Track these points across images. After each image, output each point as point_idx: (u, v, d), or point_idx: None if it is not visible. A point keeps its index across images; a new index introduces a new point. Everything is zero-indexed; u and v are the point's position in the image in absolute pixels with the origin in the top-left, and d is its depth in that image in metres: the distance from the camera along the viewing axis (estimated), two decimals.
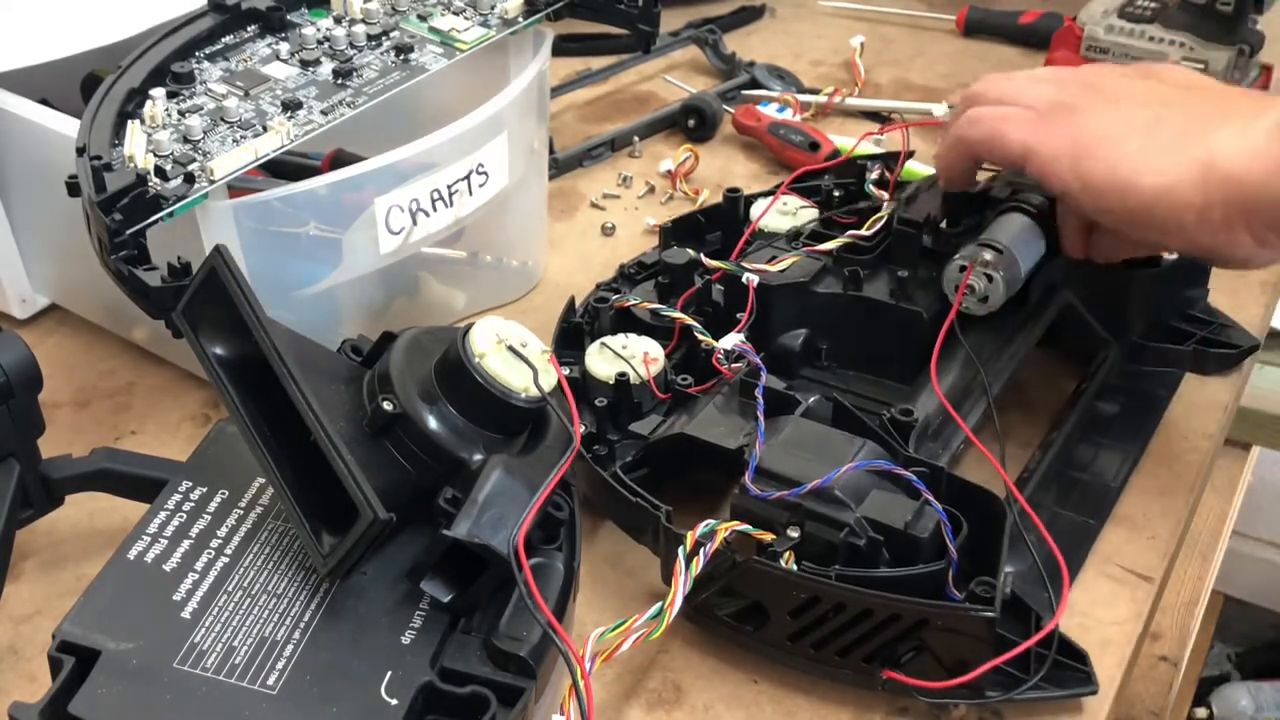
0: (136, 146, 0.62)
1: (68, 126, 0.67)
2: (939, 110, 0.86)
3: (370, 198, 0.67)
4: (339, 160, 0.75)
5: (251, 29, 0.73)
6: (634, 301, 0.70)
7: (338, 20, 0.74)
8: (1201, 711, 1.65)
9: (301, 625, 0.50)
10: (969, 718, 0.55)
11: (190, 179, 0.61)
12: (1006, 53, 1.10)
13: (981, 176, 0.77)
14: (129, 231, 0.58)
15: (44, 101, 0.71)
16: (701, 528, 0.55)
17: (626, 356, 0.66)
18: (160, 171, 0.61)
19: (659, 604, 0.53)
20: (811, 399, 0.62)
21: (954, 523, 0.55)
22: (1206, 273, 0.74)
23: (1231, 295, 0.78)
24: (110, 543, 0.55)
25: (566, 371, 0.55)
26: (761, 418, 0.58)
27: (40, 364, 0.58)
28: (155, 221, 0.60)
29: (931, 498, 0.55)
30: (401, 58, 0.72)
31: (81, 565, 0.63)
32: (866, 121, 1.00)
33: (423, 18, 0.75)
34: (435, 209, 0.70)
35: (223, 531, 0.54)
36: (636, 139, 0.97)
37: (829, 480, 0.55)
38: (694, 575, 0.54)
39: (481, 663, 0.50)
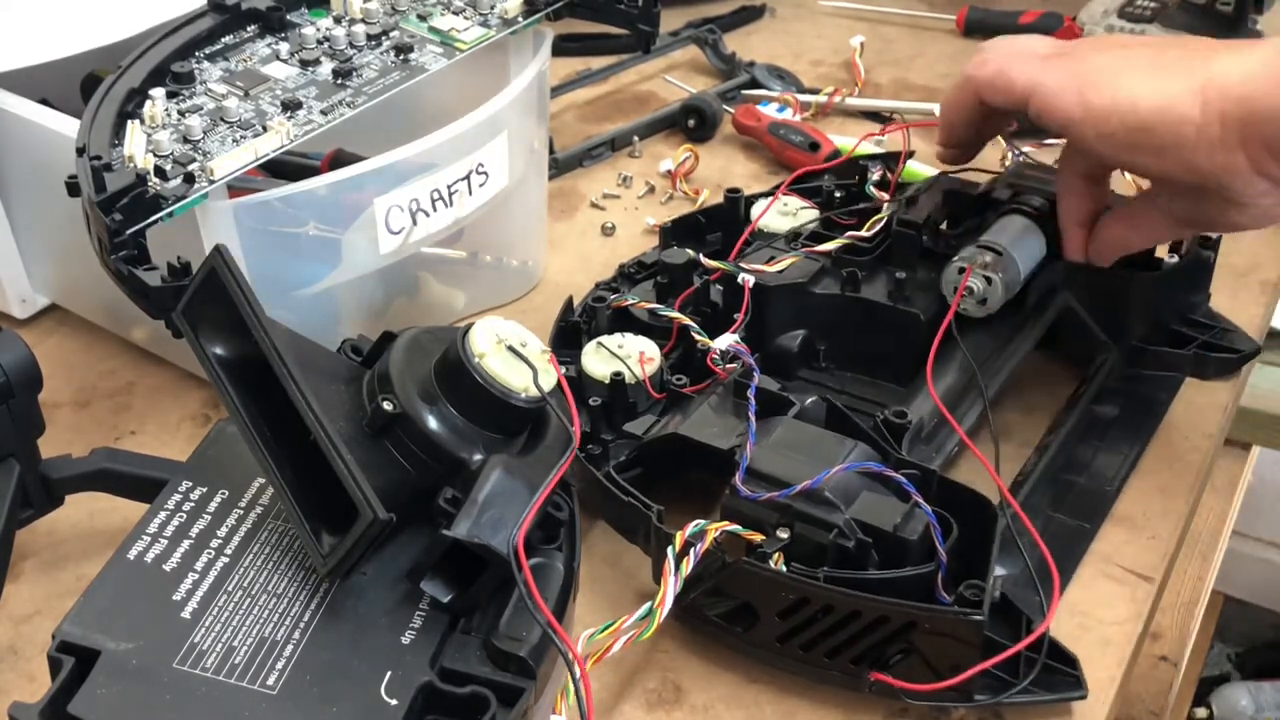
0: (136, 146, 0.62)
1: (68, 126, 0.67)
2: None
3: (370, 198, 0.67)
4: (339, 160, 0.75)
5: (251, 29, 0.73)
6: (632, 301, 0.70)
7: (338, 20, 0.74)
8: (1201, 711, 1.65)
9: (301, 625, 0.50)
10: (969, 719, 0.55)
11: (190, 179, 0.61)
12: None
13: (983, 178, 0.77)
14: (129, 231, 0.58)
15: (44, 101, 0.71)
16: (691, 528, 0.55)
17: (622, 356, 0.66)
18: (160, 171, 0.61)
19: (648, 604, 0.53)
20: (807, 400, 0.62)
21: (944, 525, 0.55)
22: (1208, 277, 0.74)
23: (1232, 295, 0.78)
24: (110, 543, 0.55)
25: (563, 370, 0.55)
26: (753, 418, 0.59)
27: (40, 364, 0.58)
28: (155, 221, 0.60)
29: (921, 500, 0.55)
30: (401, 58, 0.72)
31: (81, 565, 0.63)
32: (866, 121, 1.00)
33: (423, 18, 0.75)
34: (435, 209, 0.70)
35: (223, 531, 0.54)
36: (636, 139, 0.97)
37: (818, 482, 0.55)
38: (684, 575, 0.54)
39: (481, 663, 0.50)
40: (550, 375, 0.54)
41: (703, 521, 0.55)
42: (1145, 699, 1.31)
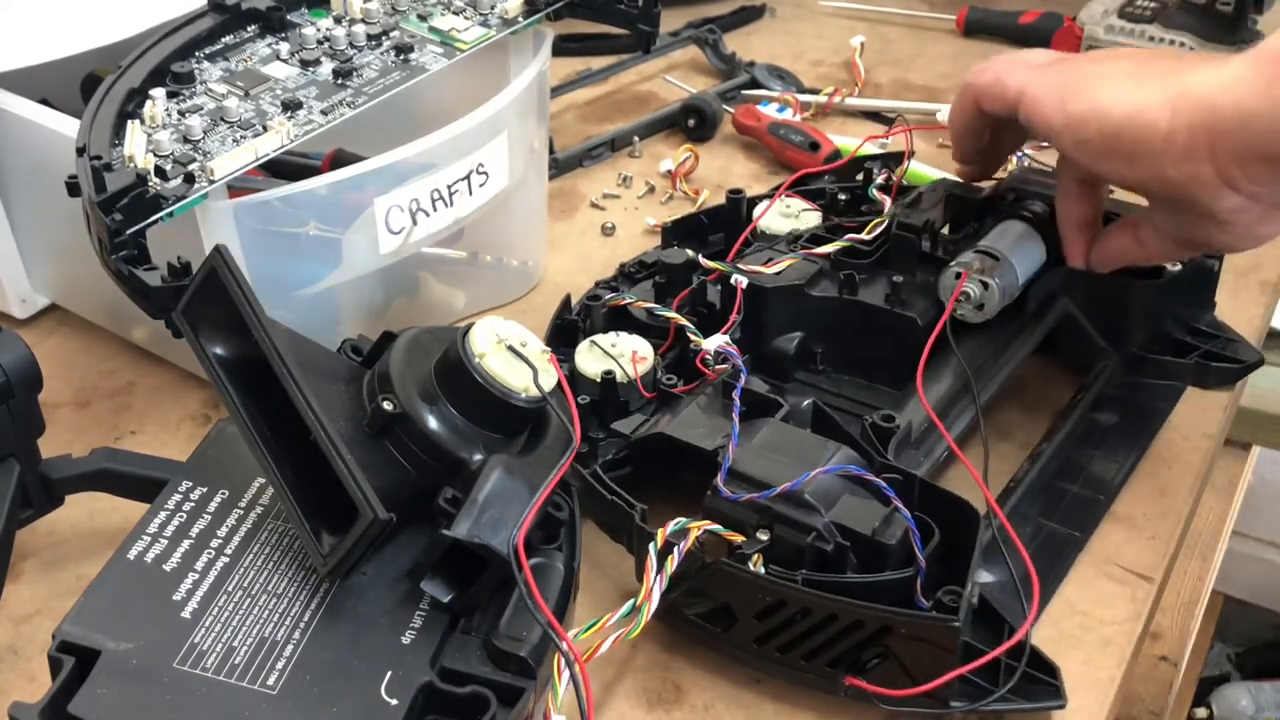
0: (136, 146, 0.62)
1: (68, 126, 0.67)
2: (943, 113, 0.87)
3: (370, 198, 0.67)
4: (339, 160, 0.75)
5: (251, 29, 0.73)
6: (629, 300, 0.70)
7: (338, 20, 0.74)
8: (1201, 711, 1.65)
9: (301, 625, 0.50)
10: None
11: (190, 179, 0.61)
12: (1006, 52, 1.10)
13: (986, 184, 0.77)
14: (129, 231, 0.58)
15: (44, 101, 0.71)
16: (672, 526, 0.55)
17: (615, 355, 0.66)
18: (160, 171, 0.61)
19: (631, 602, 0.53)
20: (795, 402, 0.62)
21: (925, 531, 0.55)
22: (1213, 287, 0.74)
23: (1232, 295, 0.78)
24: (110, 543, 0.55)
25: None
26: (736, 419, 0.59)
27: (40, 364, 0.58)
28: (155, 221, 0.60)
29: (901, 505, 0.55)
30: (401, 58, 0.72)
31: (81, 565, 0.63)
32: (867, 121, 1.00)
33: (423, 18, 0.75)
34: (435, 209, 0.70)
35: (223, 531, 0.54)
36: (636, 139, 0.97)
37: (798, 484, 0.55)
38: (669, 573, 0.54)
39: (481, 663, 0.50)
40: (550, 375, 0.54)
41: (684, 520, 0.55)
42: (1145, 699, 1.31)
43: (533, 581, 0.49)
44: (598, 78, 1.05)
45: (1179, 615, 1.40)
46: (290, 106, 0.67)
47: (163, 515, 0.54)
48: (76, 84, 0.78)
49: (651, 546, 0.54)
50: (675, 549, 0.54)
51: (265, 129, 0.65)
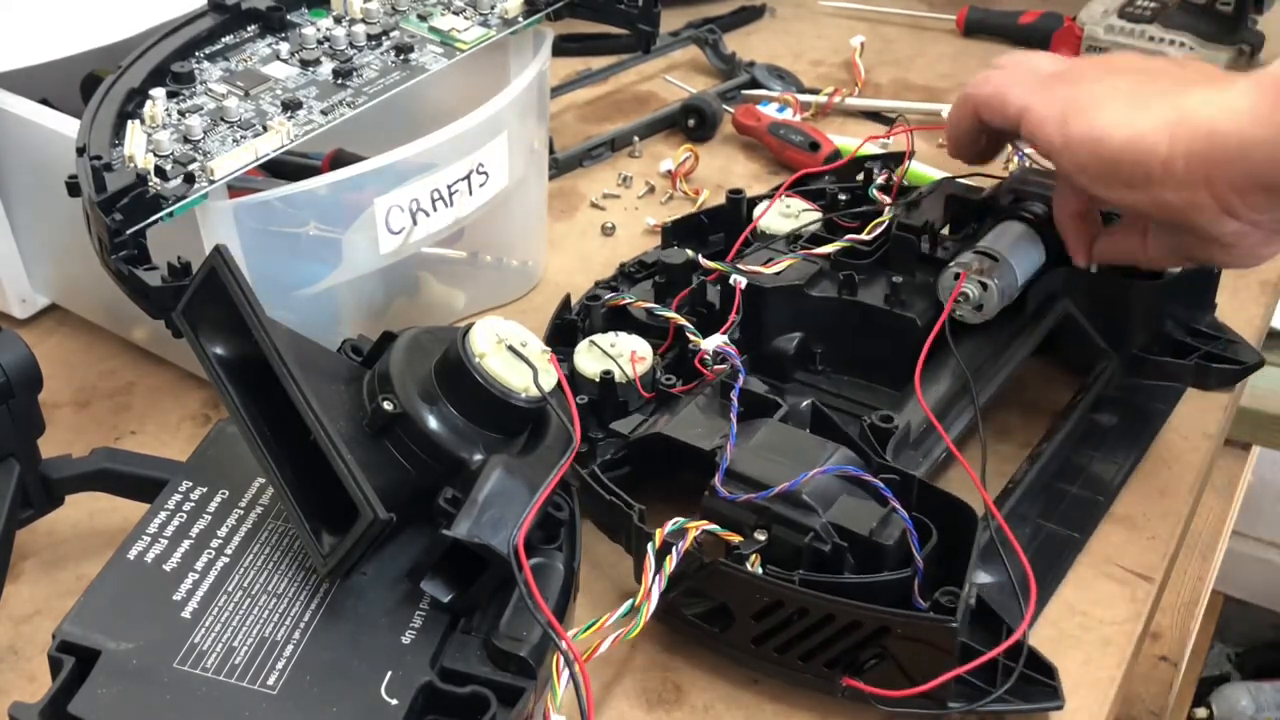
0: (136, 146, 0.62)
1: (68, 126, 0.67)
2: (946, 112, 0.86)
3: (370, 198, 0.67)
4: (339, 160, 0.75)
5: (251, 29, 0.73)
6: (628, 300, 0.70)
7: (338, 20, 0.74)
8: (1201, 711, 1.65)
9: (301, 625, 0.50)
10: None
11: (190, 179, 0.61)
12: (1006, 52, 1.10)
13: (986, 183, 0.77)
14: (129, 231, 0.58)
15: (44, 101, 0.71)
16: (670, 525, 0.55)
17: (614, 355, 0.66)
18: (160, 171, 0.61)
19: (629, 602, 0.53)
20: (801, 403, 0.62)
21: (923, 531, 0.55)
22: (1213, 288, 0.74)
23: (1232, 295, 0.78)
24: (110, 543, 0.55)
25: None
26: (734, 420, 0.59)
27: (40, 364, 0.58)
28: (155, 221, 0.60)
29: (898, 505, 0.55)
30: (401, 58, 0.72)
31: (81, 565, 0.63)
32: (867, 121, 1.00)
33: (423, 18, 0.75)
34: (435, 209, 0.70)
35: (223, 531, 0.54)
36: (636, 139, 0.97)
37: (796, 484, 0.55)
38: (668, 573, 0.54)
39: (481, 663, 0.50)
40: (550, 375, 0.54)
41: (682, 520, 0.55)
42: (1145, 699, 1.31)
43: (533, 581, 0.49)
44: (598, 78, 1.05)
45: (1179, 615, 1.40)
46: (290, 106, 0.67)
47: (163, 515, 0.54)
48: (76, 84, 0.78)
49: (650, 546, 0.54)
50: (673, 549, 0.54)
51: (265, 129, 0.65)
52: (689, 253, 0.72)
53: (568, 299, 0.72)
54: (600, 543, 0.61)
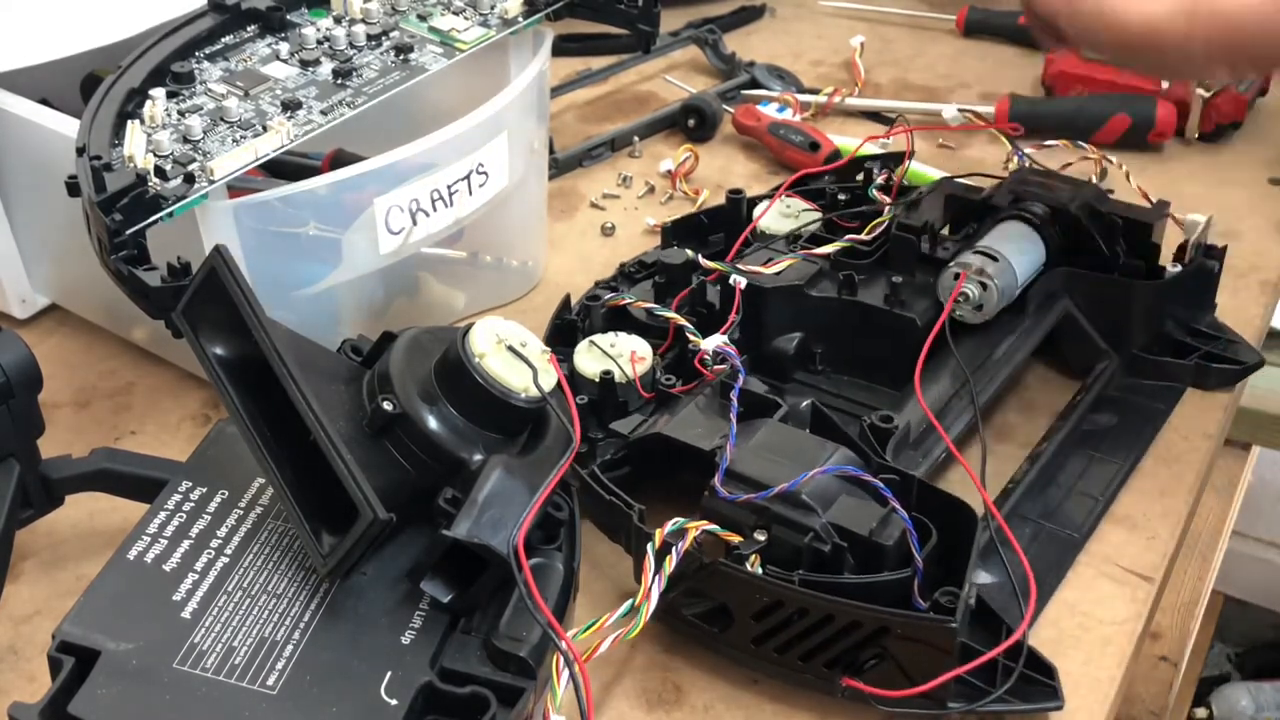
0: (136, 146, 0.62)
1: (68, 126, 0.67)
2: (949, 113, 0.87)
3: (370, 198, 0.67)
4: (339, 160, 0.75)
5: (251, 29, 0.73)
6: (628, 300, 0.70)
7: (338, 20, 0.74)
8: (1201, 711, 1.65)
9: (301, 625, 0.50)
10: None
11: (190, 179, 0.61)
12: (1006, 53, 1.10)
13: (986, 183, 0.77)
14: (129, 231, 0.58)
15: (44, 101, 0.71)
16: (670, 526, 0.55)
17: (614, 355, 0.66)
18: (160, 171, 0.61)
19: (629, 602, 0.53)
20: (801, 403, 0.62)
21: (923, 531, 0.55)
22: (1213, 288, 0.74)
23: (1232, 295, 0.78)
24: (110, 543, 0.55)
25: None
26: (734, 420, 0.59)
27: (40, 364, 0.58)
28: (155, 221, 0.60)
29: (898, 505, 0.55)
30: (401, 58, 0.72)
31: (81, 565, 0.63)
32: (867, 121, 1.00)
33: (423, 18, 0.75)
34: (435, 209, 0.70)
35: (223, 531, 0.54)
36: (636, 139, 0.97)
37: (795, 485, 0.55)
38: (667, 573, 0.54)
39: (481, 663, 0.50)
40: (550, 375, 0.54)
41: (682, 520, 0.55)
42: (1145, 699, 1.31)
43: (532, 581, 0.49)
44: (598, 78, 1.05)
45: (1179, 615, 1.40)
46: (290, 106, 0.67)
47: (163, 515, 0.54)
48: (76, 84, 0.78)
49: (650, 547, 0.54)
50: (673, 549, 0.54)
51: (265, 129, 0.65)
52: (689, 253, 0.72)
53: (568, 299, 0.72)
54: (600, 543, 0.61)
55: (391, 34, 0.73)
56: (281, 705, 0.47)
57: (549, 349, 0.55)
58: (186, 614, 0.50)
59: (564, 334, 0.70)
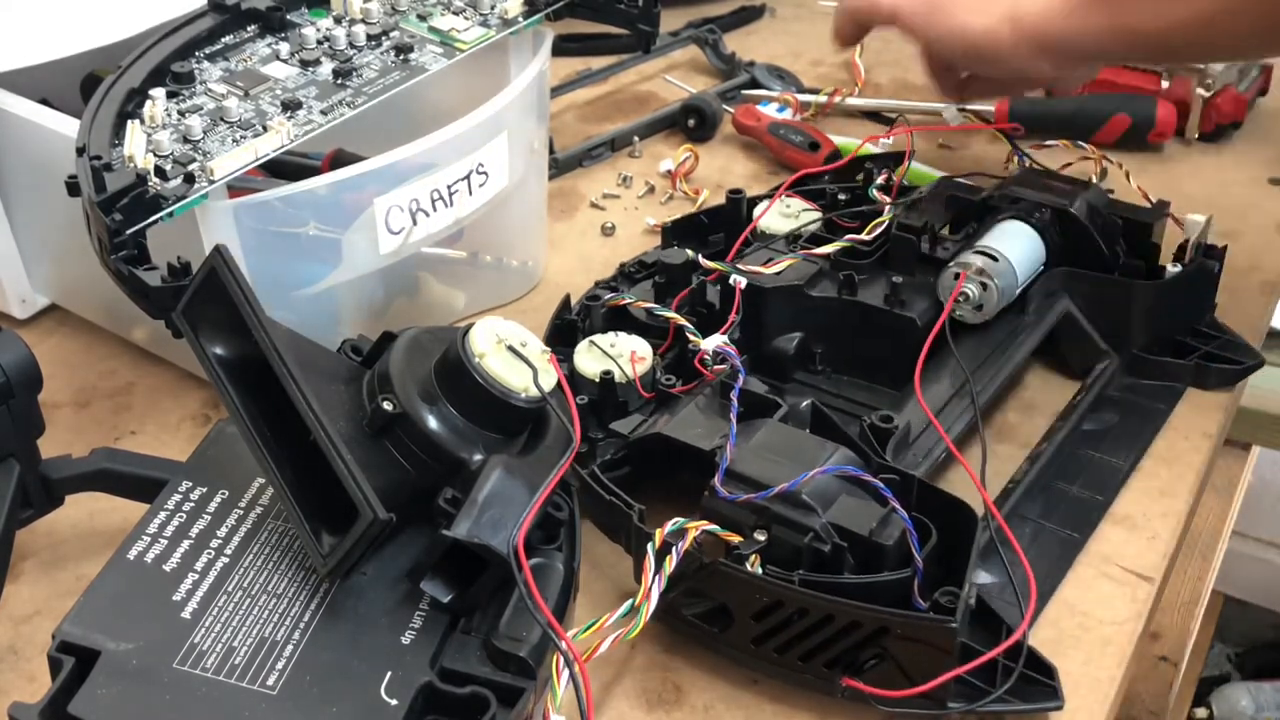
0: (136, 146, 0.62)
1: (68, 126, 0.67)
2: (949, 113, 0.87)
3: (370, 198, 0.67)
4: (339, 160, 0.75)
5: (251, 29, 0.73)
6: (628, 300, 0.70)
7: (338, 20, 0.74)
8: (1201, 711, 1.65)
9: (301, 625, 0.50)
10: None
11: (190, 179, 0.61)
12: None
13: (986, 183, 0.77)
14: (129, 231, 0.58)
15: (44, 101, 0.71)
16: (670, 525, 0.55)
17: (614, 355, 0.66)
18: (160, 171, 0.61)
19: (629, 602, 0.53)
20: (801, 403, 0.62)
21: (923, 531, 0.55)
22: (1213, 288, 0.74)
23: (1232, 295, 0.78)
24: (110, 543, 0.55)
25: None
26: (734, 420, 0.58)
27: (40, 364, 0.58)
28: (155, 221, 0.60)
29: (898, 505, 0.55)
30: (401, 58, 0.72)
31: (81, 565, 0.63)
32: (866, 121, 1.00)
33: (423, 18, 0.75)
34: (435, 209, 0.70)
35: (223, 531, 0.54)
36: (636, 139, 0.97)
37: (795, 484, 0.55)
38: (667, 573, 0.54)
39: (481, 663, 0.50)
40: (550, 375, 0.54)
41: (682, 520, 0.55)
42: (1145, 699, 1.31)
43: (532, 581, 0.49)
44: (598, 78, 1.05)
45: (1179, 615, 1.40)
46: (290, 106, 0.67)
47: (163, 515, 0.54)
48: (76, 84, 0.78)
49: (650, 547, 0.54)
50: (673, 549, 0.54)
51: (265, 129, 0.65)
52: (689, 253, 0.72)
53: (568, 299, 0.72)
54: (600, 543, 0.61)
55: (391, 34, 0.73)
56: (281, 705, 0.47)
57: (549, 349, 0.55)
58: (186, 614, 0.50)
59: (564, 334, 0.70)
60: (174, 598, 0.51)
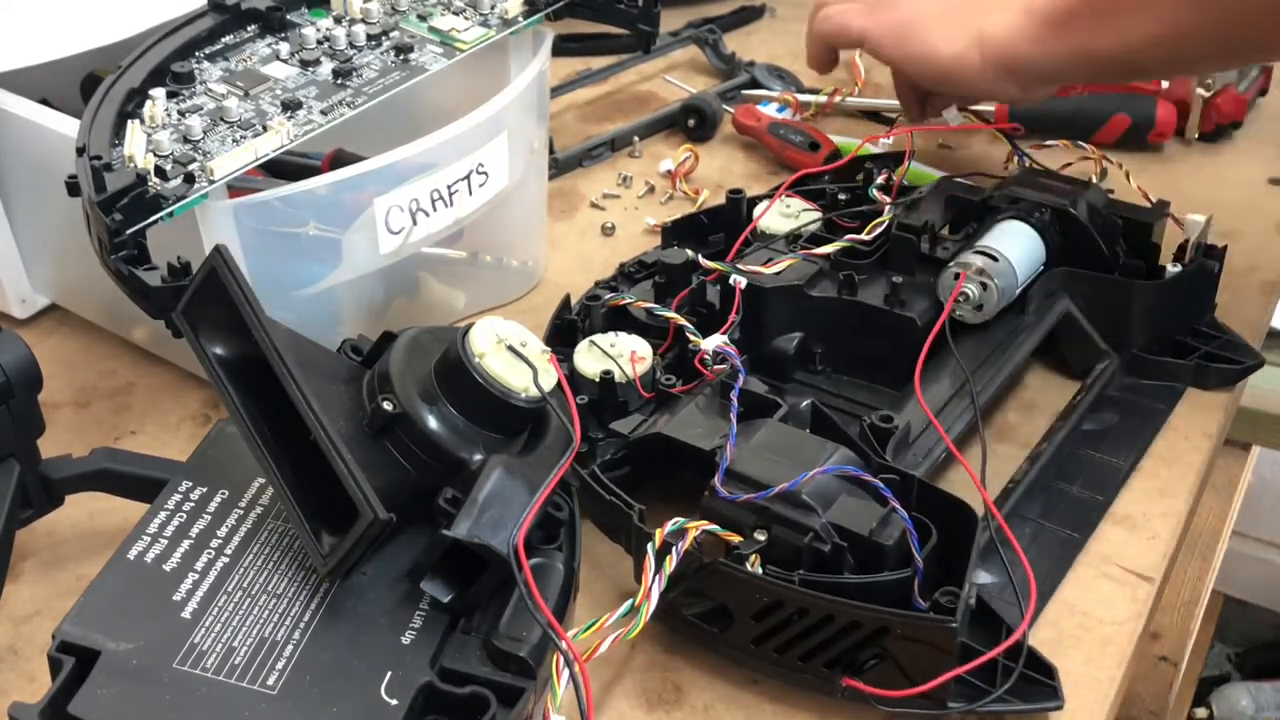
0: (136, 146, 0.62)
1: (68, 126, 0.67)
2: (949, 113, 0.87)
3: (370, 198, 0.67)
4: (339, 160, 0.75)
5: (251, 29, 0.73)
6: (628, 300, 0.70)
7: (338, 20, 0.74)
8: (1201, 711, 1.65)
9: (301, 625, 0.50)
10: None
11: (190, 179, 0.61)
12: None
13: (986, 183, 0.77)
14: (129, 231, 0.58)
15: (44, 101, 0.71)
16: (670, 525, 0.55)
17: (614, 355, 0.66)
18: (160, 171, 0.61)
19: (629, 602, 0.53)
20: (801, 403, 0.62)
21: (923, 531, 0.55)
22: (1213, 288, 0.74)
23: (1232, 295, 0.78)
24: (110, 543, 0.55)
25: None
26: (734, 420, 0.58)
27: (40, 364, 0.58)
28: (155, 221, 0.60)
29: (898, 505, 0.55)
30: (401, 58, 0.72)
31: (81, 565, 0.63)
32: (867, 121, 1.00)
33: (423, 18, 0.75)
34: (435, 209, 0.70)
35: (223, 531, 0.54)
36: (636, 139, 0.97)
37: (795, 484, 0.55)
38: (667, 573, 0.54)
39: (481, 663, 0.50)
40: (550, 375, 0.54)
41: (682, 520, 0.55)
42: (1145, 699, 1.31)
43: (533, 581, 0.49)
44: (598, 78, 1.05)
45: (1179, 615, 1.40)
46: (290, 106, 0.67)
47: (163, 515, 0.54)
48: (76, 84, 0.78)
49: (650, 547, 0.54)
50: (673, 549, 0.54)
51: (265, 129, 0.65)
52: (689, 253, 0.72)
53: (568, 299, 0.72)
54: (600, 543, 0.61)
55: (391, 34, 0.73)
56: (281, 705, 0.47)
57: (549, 349, 0.55)
58: (186, 614, 0.50)
59: (564, 334, 0.70)
60: (174, 598, 0.51)
